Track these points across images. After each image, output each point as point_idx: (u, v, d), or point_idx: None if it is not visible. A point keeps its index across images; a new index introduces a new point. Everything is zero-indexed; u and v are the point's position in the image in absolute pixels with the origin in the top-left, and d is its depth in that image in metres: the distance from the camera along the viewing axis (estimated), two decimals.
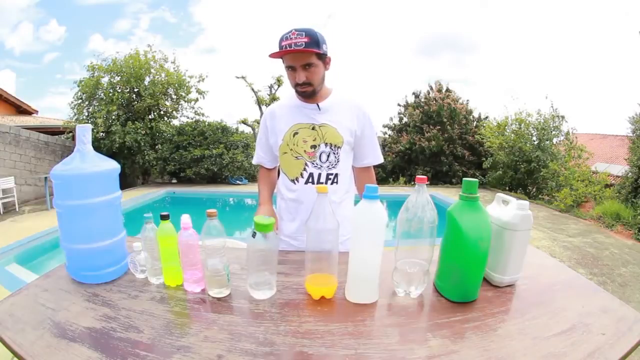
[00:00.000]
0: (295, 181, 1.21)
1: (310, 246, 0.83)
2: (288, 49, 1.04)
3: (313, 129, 1.18)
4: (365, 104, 1.25)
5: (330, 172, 1.20)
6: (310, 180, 1.19)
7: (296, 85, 1.13)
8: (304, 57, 1.07)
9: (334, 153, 1.19)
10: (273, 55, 1.09)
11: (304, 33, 1.03)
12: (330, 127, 1.18)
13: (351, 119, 1.21)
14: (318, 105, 1.19)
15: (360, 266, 0.81)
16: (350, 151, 1.25)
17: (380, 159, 1.30)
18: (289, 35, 1.05)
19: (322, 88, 1.18)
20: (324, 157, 1.19)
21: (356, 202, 0.90)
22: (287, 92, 1.29)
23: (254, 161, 1.34)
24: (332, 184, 1.20)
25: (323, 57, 1.12)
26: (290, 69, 1.11)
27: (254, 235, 0.78)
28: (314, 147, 1.18)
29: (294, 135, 1.19)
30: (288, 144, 1.19)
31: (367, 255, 0.80)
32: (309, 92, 1.14)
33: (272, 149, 1.27)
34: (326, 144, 1.18)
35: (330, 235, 0.80)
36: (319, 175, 1.19)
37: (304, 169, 1.19)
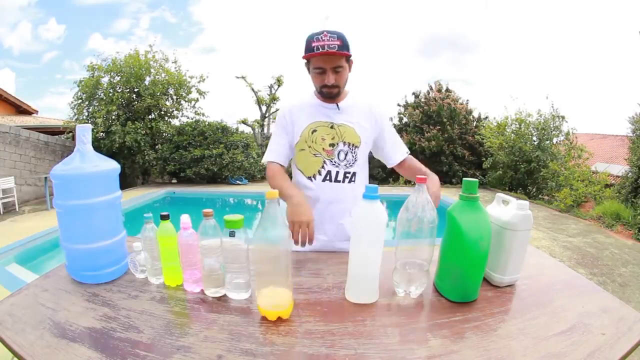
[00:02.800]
0: (312, 178, 1.20)
1: (259, 256, 0.75)
2: (322, 50, 1.04)
3: (332, 127, 1.19)
4: (380, 104, 1.26)
5: (347, 170, 1.20)
6: (327, 177, 1.20)
7: (323, 87, 1.14)
8: (335, 60, 1.08)
9: (352, 152, 1.20)
10: (306, 57, 1.11)
11: (335, 36, 1.05)
12: (349, 127, 1.20)
13: (369, 120, 1.23)
14: (337, 105, 1.20)
15: (360, 266, 0.80)
16: (368, 152, 1.26)
17: (406, 150, 1.28)
18: (321, 37, 1.05)
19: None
20: (342, 156, 1.19)
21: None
22: (303, 91, 1.28)
23: (268, 159, 1.23)
24: (349, 182, 1.21)
25: (348, 60, 1.14)
26: (319, 70, 1.11)
27: (232, 234, 0.78)
28: (332, 145, 1.18)
29: (312, 133, 1.19)
30: (306, 141, 1.20)
31: (367, 255, 0.80)
32: (334, 94, 1.16)
33: (290, 146, 1.25)
34: (344, 143, 1.19)
35: (282, 243, 0.72)
36: (337, 173, 1.20)
37: (322, 167, 1.19)
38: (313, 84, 1.19)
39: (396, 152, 1.27)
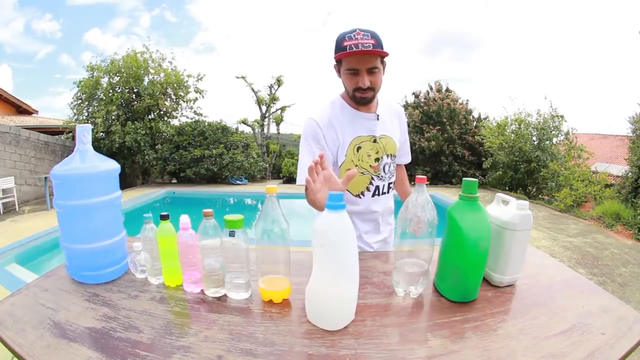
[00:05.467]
0: (361, 195, 1.17)
1: (260, 247, 0.81)
2: (355, 49, 0.96)
3: (374, 141, 1.14)
4: (401, 106, 1.30)
5: (390, 181, 1.21)
6: (376, 193, 1.18)
7: (357, 90, 1.05)
8: (370, 60, 1.00)
9: (393, 163, 1.20)
10: (339, 56, 1.02)
11: (369, 34, 0.98)
12: (388, 137, 1.18)
13: (399, 127, 1.24)
14: (377, 116, 1.14)
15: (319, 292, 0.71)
16: None
17: (409, 159, 1.35)
18: (353, 35, 0.98)
19: None
20: (386, 169, 1.18)
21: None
22: (326, 101, 1.17)
23: (302, 182, 1.01)
24: (388, 191, 1.22)
25: (383, 62, 1.06)
26: (352, 72, 1.03)
27: (232, 234, 0.78)
28: (377, 160, 1.15)
29: (357, 151, 1.12)
30: (352, 160, 1.12)
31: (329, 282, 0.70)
32: (369, 99, 1.07)
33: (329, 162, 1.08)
34: (387, 155, 1.18)
35: (281, 237, 0.78)
36: (383, 186, 1.18)
37: (370, 183, 1.16)
38: (345, 87, 1.10)
39: (406, 154, 1.33)
